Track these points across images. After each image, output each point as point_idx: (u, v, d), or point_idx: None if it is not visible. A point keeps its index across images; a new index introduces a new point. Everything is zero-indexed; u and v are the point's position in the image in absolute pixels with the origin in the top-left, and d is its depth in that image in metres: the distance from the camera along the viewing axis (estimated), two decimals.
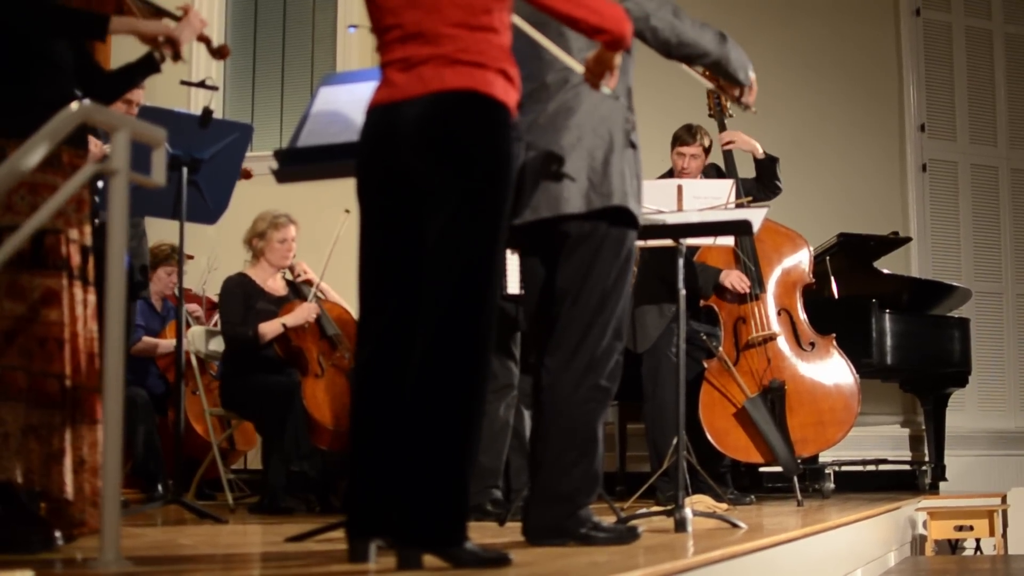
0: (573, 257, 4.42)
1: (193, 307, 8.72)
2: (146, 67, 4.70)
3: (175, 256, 8.23)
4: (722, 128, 7.91)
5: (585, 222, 4.40)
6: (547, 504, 4.38)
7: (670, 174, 7.68)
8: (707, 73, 5.08)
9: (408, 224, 3.65)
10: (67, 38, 4.28)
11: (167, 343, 8.23)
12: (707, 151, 7.71)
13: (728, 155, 7.83)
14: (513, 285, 6.07)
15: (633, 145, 4.50)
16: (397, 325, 3.65)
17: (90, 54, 4.58)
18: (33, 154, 3.29)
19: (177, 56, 4.58)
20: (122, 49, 4.98)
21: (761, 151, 7.75)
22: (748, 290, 7.63)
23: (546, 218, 4.40)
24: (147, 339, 8.21)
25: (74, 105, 3.29)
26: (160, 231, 8.46)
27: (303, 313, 7.42)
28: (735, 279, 7.61)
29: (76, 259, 4.09)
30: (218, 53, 5.26)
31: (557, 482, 4.38)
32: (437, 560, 3.47)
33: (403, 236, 3.66)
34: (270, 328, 7.33)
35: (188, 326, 8.20)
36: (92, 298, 4.11)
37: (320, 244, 7.47)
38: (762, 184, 7.71)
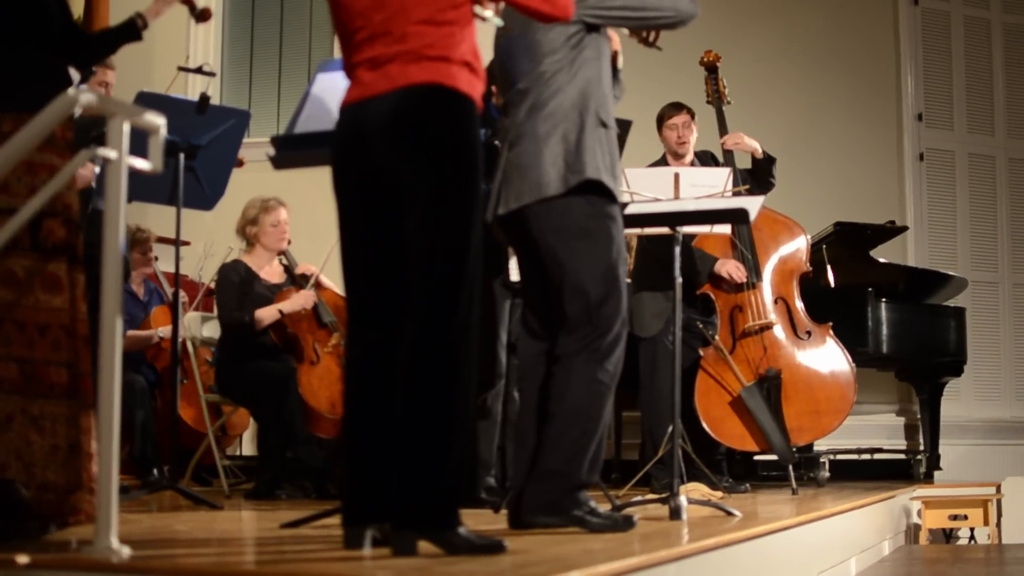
0: (548, 247, 4.57)
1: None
2: (127, 33, 4.67)
3: (142, 236, 8.23)
4: (720, 114, 7.91)
5: (554, 209, 4.54)
6: (544, 480, 4.48)
7: (663, 159, 7.68)
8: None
9: (386, 219, 3.74)
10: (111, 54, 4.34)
11: (163, 331, 8.20)
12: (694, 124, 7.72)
13: (727, 151, 7.83)
14: (515, 273, 6.09)
15: (604, 124, 4.65)
16: (384, 319, 3.74)
17: (70, 18, 4.54)
18: (30, 140, 3.29)
19: (144, 25, 4.63)
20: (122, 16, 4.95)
21: (761, 152, 7.74)
22: (744, 279, 7.62)
23: (525, 204, 4.55)
24: (132, 333, 8.10)
25: (71, 90, 3.28)
26: (157, 217, 8.45)
27: (300, 300, 7.42)
28: (731, 268, 7.60)
29: (71, 239, 4.07)
30: (201, 16, 5.26)
31: (556, 459, 4.49)
32: (432, 548, 3.49)
33: (382, 231, 3.75)
34: (267, 314, 7.33)
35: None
36: (82, 277, 4.09)
37: (316, 230, 7.46)
38: (756, 179, 7.68)
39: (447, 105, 3.69)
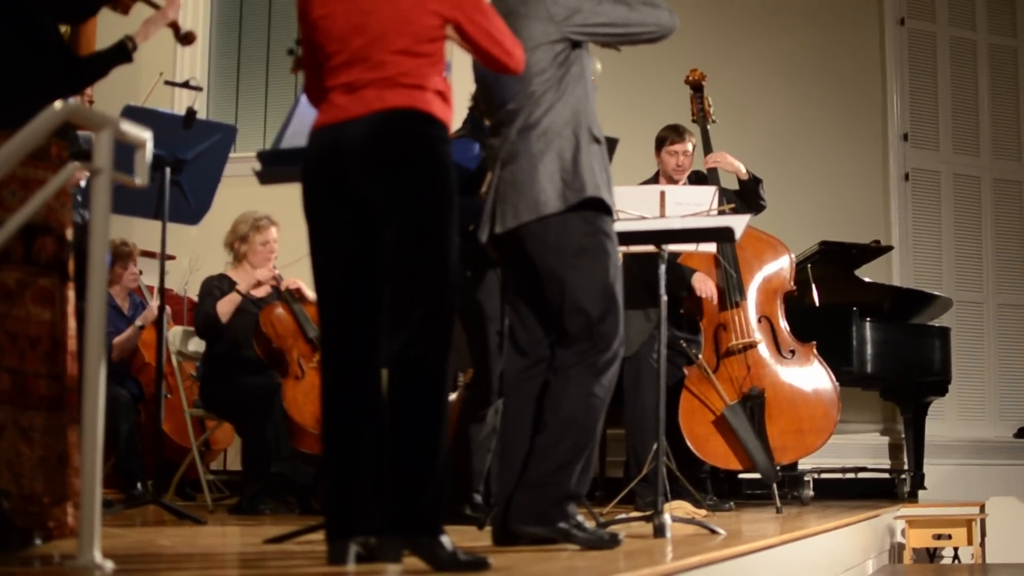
0: (547, 266, 4.59)
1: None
2: (118, 56, 4.70)
3: (125, 251, 8.22)
4: (704, 132, 7.91)
5: (551, 228, 4.56)
6: (532, 489, 4.50)
7: (655, 179, 7.68)
8: None
9: (360, 239, 3.83)
10: (102, 77, 4.40)
11: (133, 327, 8.17)
12: (692, 152, 7.71)
13: (712, 169, 7.82)
14: None
15: (597, 140, 4.68)
16: (359, 335, 3.84)
17: (63, 41, 4.57)
18: (16, 152, 3.28)
19: (134, 46, 4.70)
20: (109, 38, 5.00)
21: (745, 172, 7.72)
22: (713, 296, 7.61)
23: (524, 223, 4.56)
24: (116, 341, 8.10)
25: (57, 104, 3.28)
26: (142, 231, 8.44)
27: (259, 275, 7.40)
28: (700, 283, 7.59)
29: (64, 255, 4.10)
30: (185, 39, 5.32)
31: (546, 468, 4.51)
32: (419, 564, 3.51)
33: (356, 251, 3.84)
34: (227, 300, 7.31)
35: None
36: (72, 294, 4.12)
37: (302, 245, 7.44)
38: (745, 202, 7.64)
39: (422, 129, 3.80)
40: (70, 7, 4.56)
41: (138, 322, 8.18)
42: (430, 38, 3.84)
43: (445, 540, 3.61)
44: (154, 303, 7.94)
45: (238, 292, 7.37)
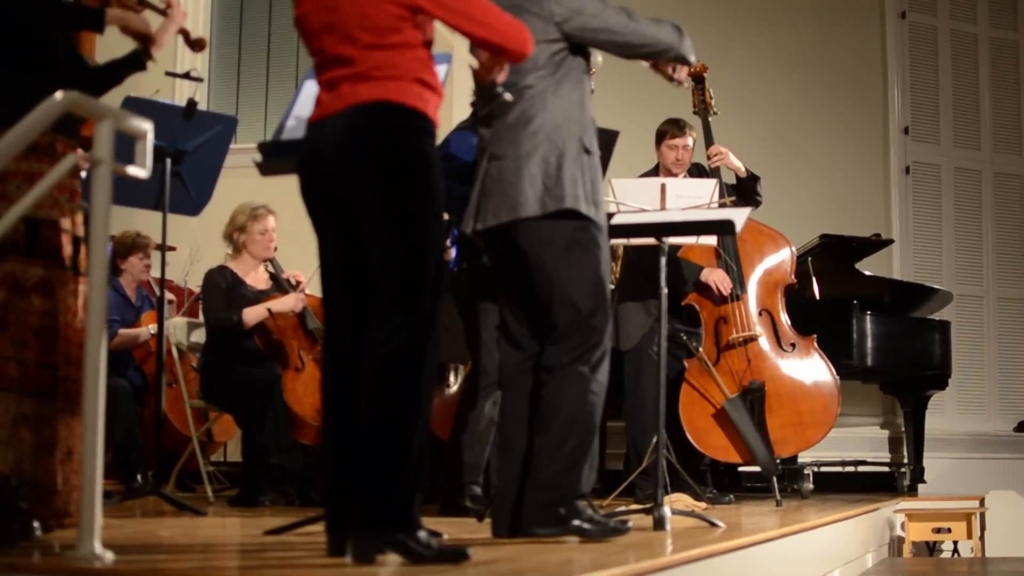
0: (537, 259, 4.58)
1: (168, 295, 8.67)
2: (132, 64, 4.71)
3: (141, 242, 8.23)
4: (706, 124, 7.89)
5: (543, 223, 4.56)
6: (543, 491, 4.52)
7: (655, 171, 7.66)
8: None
9: (347, 231, 3.83)
10: (65, 30, 4.37)
11: (146, 330, 8.19)
12: (692, 146, 7.70)
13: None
14: None
15: (587, 151, 4.66)
16: (354, 325, 3.83)
17: (77, 48, 4.59)
18: (16, 143, 3.28)
19: (149, 56, 4.68)
20: (109, 44, 5.00)
21: (744, 171, 7.71)
22: (729, 291, 7.61)
23: (506, 222, 4.57)
24: (123, 331, 8.14)
25: (58, 94, 3.28)
26: (143, 222, 8.44)
27: (290, 301, 7.41)
28: (718, 278, 7.59)
29: (69, 249, 4.13)
30: (195, 45, 5.35)
31: (554, 470, 4.52)
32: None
33: (346, 243, 3.86)
34: (255, 312, 7.31)
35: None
36: (84, 288, 4.13)
37: (303, 237, 7.45)
38: (741, 196, 7.62)
39: (393, 120, 3.77)
40: (56, 19, 4.54)
41: (152, 328, 8.17)
42: (395, 28, 3.79)
43: (421, 535, 3.59)
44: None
45: (268, 311, 7.39)
